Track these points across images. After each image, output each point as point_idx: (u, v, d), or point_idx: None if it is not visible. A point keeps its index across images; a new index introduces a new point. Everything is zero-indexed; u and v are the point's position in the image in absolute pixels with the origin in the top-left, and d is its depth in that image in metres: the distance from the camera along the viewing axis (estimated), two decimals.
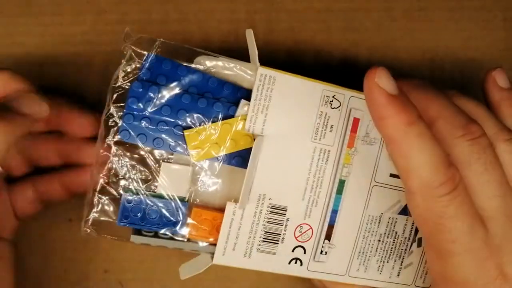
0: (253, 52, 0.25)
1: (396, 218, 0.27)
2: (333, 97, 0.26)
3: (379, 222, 0.27)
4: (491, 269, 0.22)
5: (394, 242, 0.27)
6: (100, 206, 0.25)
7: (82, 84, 0.31)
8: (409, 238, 0.28)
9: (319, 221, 0.26)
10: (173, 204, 0.25)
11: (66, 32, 0.31)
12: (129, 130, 0.24)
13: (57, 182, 0.28)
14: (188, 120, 0.25)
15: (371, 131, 0.26)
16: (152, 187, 0.25)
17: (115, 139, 0.25)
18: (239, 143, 0.25)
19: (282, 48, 0.31)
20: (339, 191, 0.26)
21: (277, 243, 0.26)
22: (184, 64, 0.25)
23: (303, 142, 0.26)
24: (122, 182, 0.25)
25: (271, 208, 0.26)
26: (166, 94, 0.24)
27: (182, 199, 0.25)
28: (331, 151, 0.26)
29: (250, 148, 0.25)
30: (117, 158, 0.25)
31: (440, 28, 0.30)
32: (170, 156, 0.25)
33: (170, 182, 0.25)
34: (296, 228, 0.26)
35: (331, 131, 0.26)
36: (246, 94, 0.25)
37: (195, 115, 0.25)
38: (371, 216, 0.27)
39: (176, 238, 0.25)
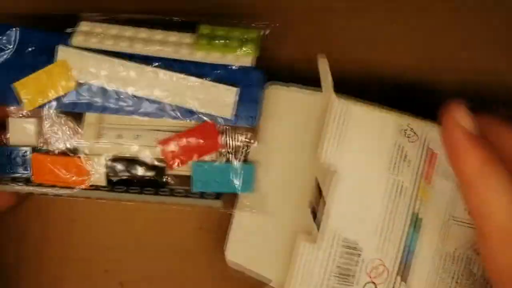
0: (327, 81, 0.24)
1: (475, 258, 0.26)
2: (410, 129, 0.25)
3: (455, 261, 0.25)
4: None
5: (472, 284, 0.26)
6: None
7: None
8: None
9: (393, 259, 0.25)
10: (21, 153, 0.26)
11: None
12: None
13: None
14: (21, 73, 0.25)
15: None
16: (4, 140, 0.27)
17: None
18: (61, 88, 0.25)
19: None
20: (415, 227, 0.25)
21: (351, 283, 0.24)
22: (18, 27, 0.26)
23: (379, 175, 0.24)
24: None
25: (343, 242, 0.24)
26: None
27: (27, 149, 0.26)
28: (407, 186, 0.24)
29: (72, 92, 0.25)
30: None
31: (439, 28, 0.29)
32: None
33: (18, 134, 0.26)
34: (369, 264, 0.24)
35: (408, 165, 0.24)
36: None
37: (26, 69, 0.25)
38: (447, 254, 0.25)
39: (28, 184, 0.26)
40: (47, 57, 0.25)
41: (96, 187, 0.26)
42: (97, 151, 0.26)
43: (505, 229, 0.20)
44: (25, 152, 0.26)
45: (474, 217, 0.21)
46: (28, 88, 0.25)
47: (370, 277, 0.25)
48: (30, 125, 0.26)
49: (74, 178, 0.26)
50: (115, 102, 0.25)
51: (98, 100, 0.25)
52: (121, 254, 0.31)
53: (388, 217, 0.24)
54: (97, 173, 0.26)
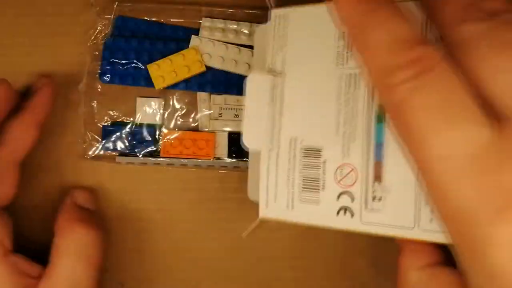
0: None
1: None
2: None
3: None
4: (495, 192, 0.16)
5: None
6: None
7: None
8: None
9: (362, 159, 0.21)
10: (147, 130, 0.30)
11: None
12: (108, 74, 0.30)
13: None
14: (152, 59, 0.30)
15: None
16: (132, 119, 0.30)
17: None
18: (192, 69, 0.29)
19: None
20: (380, 119, 0.22)
21: (318, 191, 0.22)
22: (143, 18, 0.30)
23: (327, 71, 0.22)
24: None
25: (304, 150, 0.22)
26: (131, 42, 0.30)
27: (155, 125, 0.30)
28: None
29: (203, 73, 0.29)
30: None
31: None
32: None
33: (145, 112, 0.30)
34: (336, 171, 0.22)
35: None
36: (197, 32, 0.30)
37: (156, 54, 0.30)
38: None
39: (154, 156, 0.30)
40: (173, 45, 0.30)
41: (218, 158, 0.30)
42: (218, 127, 0.30)
43: (380, 68, 0.18)
44: (152, 129, 0.30)
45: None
46: (160, 70, 0.29)
47: (342, 185, 0.22)
48: (156, 104, 0.30)
49: (201, 151, 0.29)
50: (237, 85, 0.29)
51: (222, 83, 0.29)
52: (121, 254, 0.31)
53: (346, 112, 0.22)
54: (220, 146, 0.29)
